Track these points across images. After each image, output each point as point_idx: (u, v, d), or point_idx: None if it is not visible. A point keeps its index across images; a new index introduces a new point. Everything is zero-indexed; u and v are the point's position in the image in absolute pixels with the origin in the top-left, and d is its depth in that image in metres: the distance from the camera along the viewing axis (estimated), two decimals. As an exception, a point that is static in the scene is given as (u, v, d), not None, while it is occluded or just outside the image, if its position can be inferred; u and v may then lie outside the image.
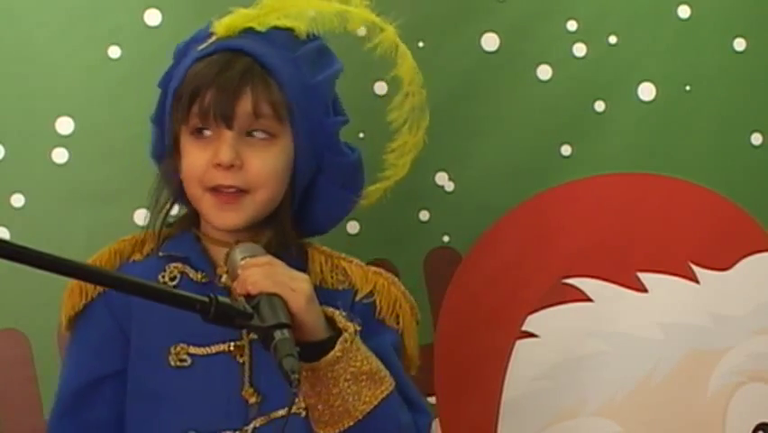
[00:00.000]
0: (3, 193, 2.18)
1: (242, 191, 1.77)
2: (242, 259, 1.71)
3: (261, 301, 1.63)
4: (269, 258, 1.72)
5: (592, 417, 2.35)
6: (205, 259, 1.82)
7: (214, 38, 1.82)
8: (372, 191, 1.92)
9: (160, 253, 1.84)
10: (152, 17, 2.21)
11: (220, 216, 1.79)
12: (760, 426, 2.39)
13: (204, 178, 1.77)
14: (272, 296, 1.65)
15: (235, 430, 1.76)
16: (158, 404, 1.78)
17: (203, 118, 1.77)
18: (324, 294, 1.77)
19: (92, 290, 1.82)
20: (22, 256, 1.44)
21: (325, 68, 1.84)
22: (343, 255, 1.87)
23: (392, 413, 1.72)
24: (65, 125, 2.20)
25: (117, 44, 2.20)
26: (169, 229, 1.87)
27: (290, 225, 1.82)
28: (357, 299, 1.83)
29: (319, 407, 1.69)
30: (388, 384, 1.72)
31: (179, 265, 1.82)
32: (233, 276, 1.70)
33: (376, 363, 1.71)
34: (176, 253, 1.83)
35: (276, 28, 1.80)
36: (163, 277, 1.81)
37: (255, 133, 1.77)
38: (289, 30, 1.81)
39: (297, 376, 1.55)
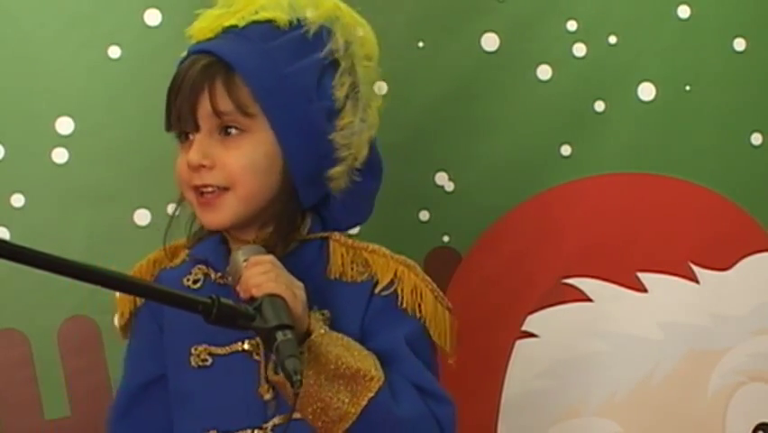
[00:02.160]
0: (3, 193, 2.18)
1: (222, 189, 1.77)
2: (245, 261, 1.71)
3: (264, 302, 1.63)
4: (270, 258, 1.71)
5: (592, 417, 2.35)
6: (224, 259, 1.81)
7: (193, 42, 1.83)
8: (336, 175, 1.80)
9: (186, 258, 1.85)
10: (152, 17, 2.21)
11: (205, 217, 1.80)
12: (760, 426, 2.39)
13: (187, 180, 1.79)
14: (275, 297, 1.64)
15: (255, 429, 1.76)
16: (183, 404, 1.80)
17: (176, 124, 1.79)
18: (341, 288, 1.77)
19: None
20: (22, 256, 1.44)
21: (305, 55, 1.79)
22: (367, 245, 1.84)
23: (384, 411, 1.70)
24: (65, 125, 2.20)
25: (117, 44, 2.20)
26: (205, 232, 1.87)
27: (290, 219, 1.80)
28: (377, 291, 1.80)
29: (309, 416, 1.68)
30: (376, 381, 1.69)
31: (203, 267, 1.83)
32: (236, 279, 1.70)
33: (356, 362, 1.69)
34: (199, 255, 1.84)
35: (255, 22, 1.80)
36: (188, 280, 1.82)
37: (229, 130, 1.77)
38: (269, 21, 1.80)
39: (299, 377, 1.55)
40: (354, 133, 1.79)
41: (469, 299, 2.31)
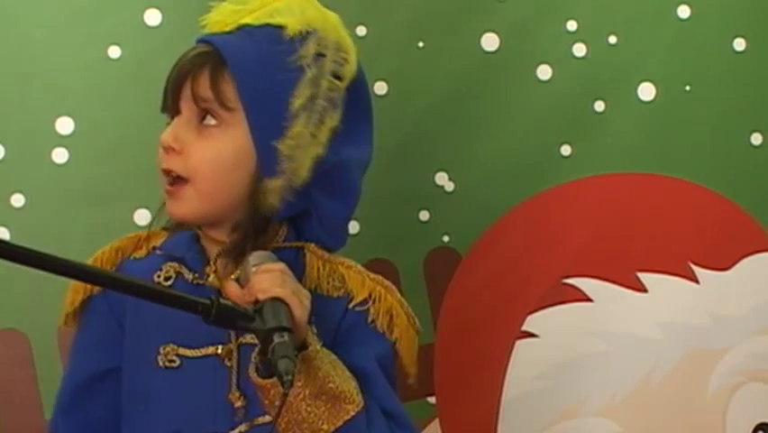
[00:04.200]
0: (3, 193, 2.18)
1: (183, 179, 1.75)
2: (254, 266, 1.70)
3: (266, 305, 1.62)
4: (281, 266, 1.70)
5: (592, 417, 2.35)
6: (201, 259, 1.80)
7: (206, 32, 1.83)
8: (272, 188, 1.76)
9: (158, 252, 1.82)
10: (152, 17, 2.22)
11: (168, 205, 1.78)
12: (760, 426, 2.39)
13: (159, 162, 1.78)
14: (278, 301, 1.64)
15: None
16: (145, 404, 1.76)
17: (164, 107, 1.80)
18: (317, 300, 1.74)
19: (92, 285, 1.80)
20: (22, 256, 1.44)
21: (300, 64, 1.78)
22: (343, 260, 1.83)
23: None
24: (65, 125, 2.20)
25: (117, 44, 2.20)
26: (177, 227, 1.85)
27: (259, 225, 1.77)
28: (351, 306, 1.79)
29: (282, 425, 1.67)
30: (355, 405, 1.68)
31: (176, 265, 1.80)
32: (244, 283, 1.70)
33: (341, 383, 1.68)
34: (173, 251, 1.81)
35: (269, 25, 1.80)
36: (158, 276, 1.79)
37: (205, 120, 1.76)
38: (282, 27, 1.79)
39: (290, 378, 1.54)
40: (300, 146, 1.75)
41: (469, 299, 2.32)
